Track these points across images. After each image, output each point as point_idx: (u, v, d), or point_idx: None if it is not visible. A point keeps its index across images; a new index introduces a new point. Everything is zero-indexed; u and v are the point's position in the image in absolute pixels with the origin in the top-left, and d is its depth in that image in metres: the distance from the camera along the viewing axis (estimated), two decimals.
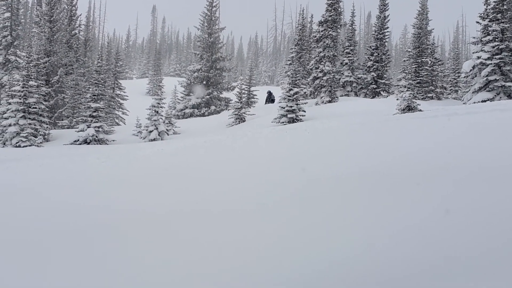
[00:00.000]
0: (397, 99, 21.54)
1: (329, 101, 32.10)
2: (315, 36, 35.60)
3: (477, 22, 27.49)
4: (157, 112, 27.48)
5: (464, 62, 29.79)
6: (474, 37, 27.97)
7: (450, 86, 37.83)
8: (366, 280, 3.81)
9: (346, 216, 5.03)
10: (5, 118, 26.72)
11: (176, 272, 4.42)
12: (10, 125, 26.30)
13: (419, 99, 29.86)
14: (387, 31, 40.11)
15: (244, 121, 29.22)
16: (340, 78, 36.77)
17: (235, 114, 29.35)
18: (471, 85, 27.75)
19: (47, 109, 30.25)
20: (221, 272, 4.34)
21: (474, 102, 24.96)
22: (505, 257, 3.71)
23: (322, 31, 34.48)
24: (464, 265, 3.73)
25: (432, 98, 33.74)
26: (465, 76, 28.62)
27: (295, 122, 23.97)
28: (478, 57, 26.45)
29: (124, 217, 5.92)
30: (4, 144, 26.50)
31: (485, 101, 24.11)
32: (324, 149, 8.94)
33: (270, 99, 38.26)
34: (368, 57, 39.63)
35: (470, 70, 27.17)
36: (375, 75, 38.54)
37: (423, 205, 4.89)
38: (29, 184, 8.60)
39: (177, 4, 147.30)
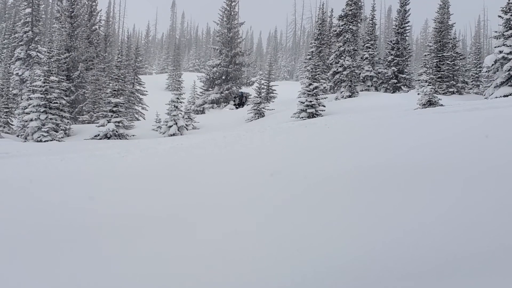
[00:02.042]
0: (418, 94, 21.35)
1: (349, 96, 31.92)
2: (335, 31, 35.41)
3: (499, 16, 27.12)
4: (176, 107, 27.55)
5: (485, 57, 29.41)
6: (496, 31, 27.57)
7: (472, 81, 37.41)
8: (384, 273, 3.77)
9: (364, 211, 4.98)
10: (26, 113, 26.97)
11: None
12: (31, 120, 26.54)
13: (440, 94, 29.59)
14: (408, 25, 39.81)
15: (263, 116, 29.18)
16: (360, 73, 36.56)
17: (254, 109, 29.33)
18: (493, 80, 27.42)
19: (68, 104, 30.50)
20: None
21: (496, 97, 24.64)
22: None
23: (342, 26, 34.29)
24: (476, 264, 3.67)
25: (453, 93, 33.42)
26: (486, 71, 28.30)
27: (315, 117, 23.85)
28: (500, 52, 26.10)
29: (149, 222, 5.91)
30: (26, 139, 26.77)
31: (507, 95, 23.81)
32: (343, 144, 8.86)
33: (241, 101, 38.28)
34: (389, 52, 39.39)
35: (492, 65, 26.83)
36: (396, 69, 38.28)
37: (440, 199, 4.81)
38: (49, 179, 8.65)
39: None
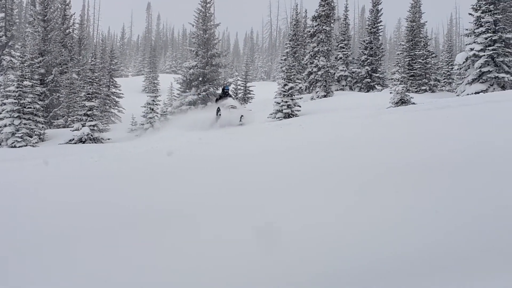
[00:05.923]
0: (391, 93, 21.61)
1: (324, 96, 32.17)
2: (309, 31, 35.62)
3: (470, 14, 27.54)
4: (152, 109, 27.52)
5: (457, 54, 29.87)
6: (467, 29, 27.97)
7: (444, 79, 37.95)
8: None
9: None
10: (0, 119, 26.72)
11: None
12: (5, 126, 26.30)
13: (412, 92, 29.97)
14: (381, 25, 40.28)
15: None
16: (334, 73, 36.82)
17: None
18: (464, 77, 27.86)
19: (42, 108, 30.20)
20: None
21: (468, 94, 25.04)
22: None
23: (316, 26, 34.51)
24: None
25: (426, 90, 33.89)
26: (458, 68, 28.70)
27: (291, 117, 24.00)
28: (471, 49, 26.54)
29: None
30: (0, 145, 26.50)
31: (478, 92, 24.17)
32: (317, 145, 8.97)
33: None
34: (362, 51, 39.77)
35: (464, 62, 27.25)
36: (369, 69, 38.67)
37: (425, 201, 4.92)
38: (23, 184, 8.63)
39: (171, 1, 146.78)
